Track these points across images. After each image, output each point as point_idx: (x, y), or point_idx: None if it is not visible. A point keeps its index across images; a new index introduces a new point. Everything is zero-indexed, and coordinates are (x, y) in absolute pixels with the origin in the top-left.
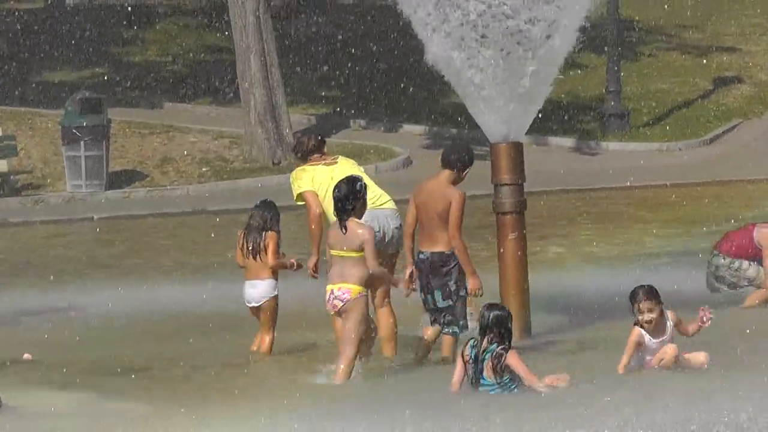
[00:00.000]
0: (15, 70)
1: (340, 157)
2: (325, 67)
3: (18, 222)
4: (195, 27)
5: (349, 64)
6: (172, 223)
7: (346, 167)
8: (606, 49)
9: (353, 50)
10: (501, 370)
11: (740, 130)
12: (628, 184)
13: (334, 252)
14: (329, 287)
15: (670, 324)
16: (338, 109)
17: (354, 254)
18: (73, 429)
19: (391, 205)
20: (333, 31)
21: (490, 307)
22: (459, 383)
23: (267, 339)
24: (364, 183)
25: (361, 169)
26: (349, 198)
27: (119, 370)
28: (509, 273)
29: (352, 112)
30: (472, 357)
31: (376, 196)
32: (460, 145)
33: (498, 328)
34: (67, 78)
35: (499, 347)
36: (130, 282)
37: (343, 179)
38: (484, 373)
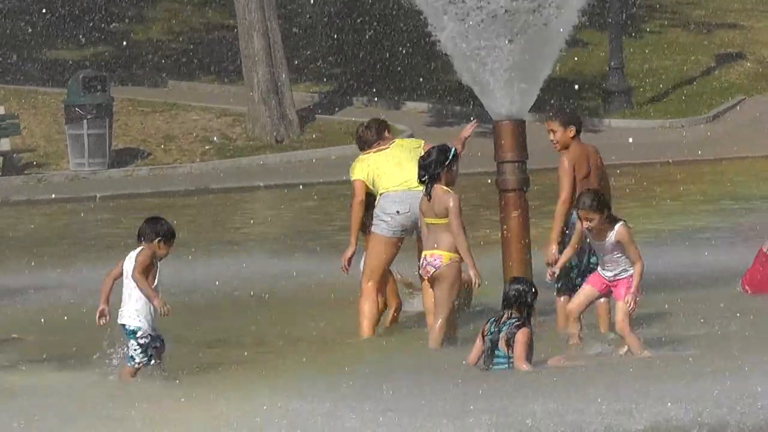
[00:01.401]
0: (18, 48)
1: (396, 140)
2: (328, 45)
3: (21, 200)
4: (198, 4)
5: (352, 42)
6: (175, 202)
7: (396, 150)
8: (609, 26)
9: (356, 28)
10: (513, 344)
11: (743, 107)
12: (633, 161)
13: (427, 220)
14: (424, 253)
15: (612, 234)
16: (341, 86)
17: (443, 221)
18: (63, 408)
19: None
20: (336, 9)
21: (513, 281)
22: (476, 357)
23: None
24: (456, 152)
25: (420, 142)
26: (436, 165)
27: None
28: (513, 251)
29: (355, 89)
30: (491, 330)
31: (412, 178)
32: None
33: (518, 302)
34: (70, 56)
35: (517, 322)
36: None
37: (433, 147)
38: (500, 345)
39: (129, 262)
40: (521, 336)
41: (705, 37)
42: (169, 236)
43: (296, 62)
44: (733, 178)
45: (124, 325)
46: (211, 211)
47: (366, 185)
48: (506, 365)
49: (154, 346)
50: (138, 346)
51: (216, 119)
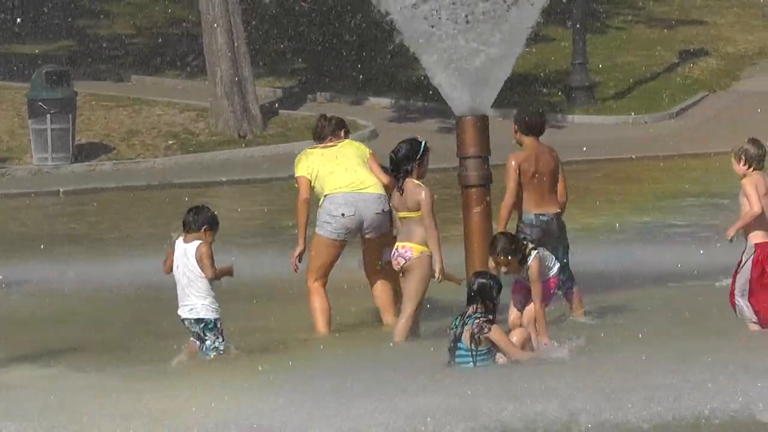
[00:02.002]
0: None
1: (346, 140)
2: (291, 41)
3: None
4: (162, 0)
5: (315, 37)
6: (138, 196)
7: (344, 149)
8: (572, 21)
9: (319, 23)
10: (479, 340)
11: (706, 103)
12: (596, 156)
13: (400, 214)
14: (396, 244)
15: (525, 270)
16: (304, 82)
17: (415, 214)
18: (35, 402)
19: (375, 190)
20: (299, 4)
21: (477, 275)
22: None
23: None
24: (426, 146)
25: (368, 151)
26: (406, 159)
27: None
28: (475, 246)
29: (318, 85)
30: (455, 324)
31: (360, 180)
32: None
33: (482, 297)
34: (33, 51)
35: (483, 318)
36: (95, 255)
37: (404, 141)
38: (463, 337)
39: (185, 257)
40: (496, 334)
41: (668, 33)
42: (214, 224)
43: (259, 58)
44: (695, 174)
45: (201, 319)
46: (174, 205)
47: (309, 182)
48: (469, 359)
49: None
50: (220, 336)
51: (179, 114)
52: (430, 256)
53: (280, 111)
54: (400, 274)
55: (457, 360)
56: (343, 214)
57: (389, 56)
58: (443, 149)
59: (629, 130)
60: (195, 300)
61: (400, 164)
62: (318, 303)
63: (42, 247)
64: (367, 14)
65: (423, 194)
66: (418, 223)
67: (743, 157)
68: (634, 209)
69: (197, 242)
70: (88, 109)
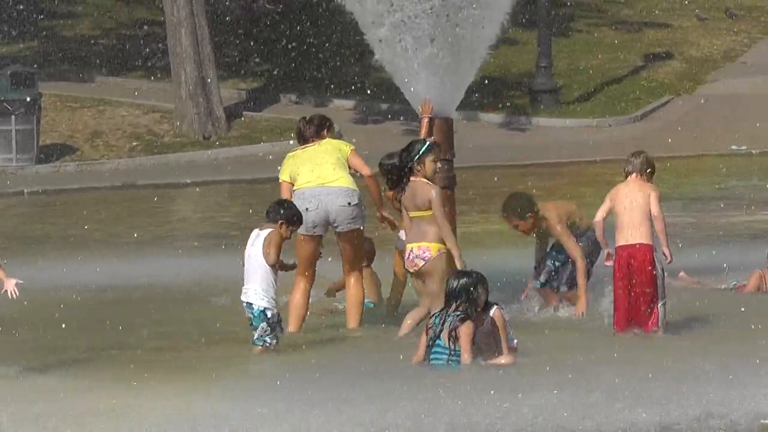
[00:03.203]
0: None
1: (327, 138)
2: (256, 43)
3: None
4: (127, 1)
5: (280, 40)
6: (103, 197)
7: (322, 147)
8: (537, 24)
9: (284, 25)
10: (456, 337)
11: (671, 107)
12: (560, 159)
13: (410, 213)
14: (409, 246)
15: (488, 320)
16: (268, 84)
17: (427, 213)
18: None
19: (340, 183)
20: (264, 6)
21: (458, 274)
22: (419, 358)
23: None
24: (430, 145)
25: (349, 147)
26: (407, 158)
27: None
28: None
29: (282, 87)
30: (435, 323)
31: (325, 174)
32: None
33: (463, 295)
34: None
35: (460, 316)
36: (59, 256)
37: (411, 141)
38: (442, 335)
39: (253, 246)
40: (465, 329)
41: (633, 37)
42: (293, 220)
43: (224, 59)
44: (659, 176)
45: (250, 304)
46: (137, 207)
47: (291, 186)
48: (446, 357)
49: (281, 327)
50: (268, 327)
51: (144, 116)
52: (446, 253)
53: (245, 113)
54: (410, 274)
55: (432, 356)
56: (307, 209)
57: (354, 58)
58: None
59: (593, 134)
60: (251, 285)
61: (402, 164)
62: (294, 300)
63: (4, 247)
64: (332, 16)
65: (433, 192)
66: (430, 222)
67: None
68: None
69: (270, 230)
70: (53, 110)
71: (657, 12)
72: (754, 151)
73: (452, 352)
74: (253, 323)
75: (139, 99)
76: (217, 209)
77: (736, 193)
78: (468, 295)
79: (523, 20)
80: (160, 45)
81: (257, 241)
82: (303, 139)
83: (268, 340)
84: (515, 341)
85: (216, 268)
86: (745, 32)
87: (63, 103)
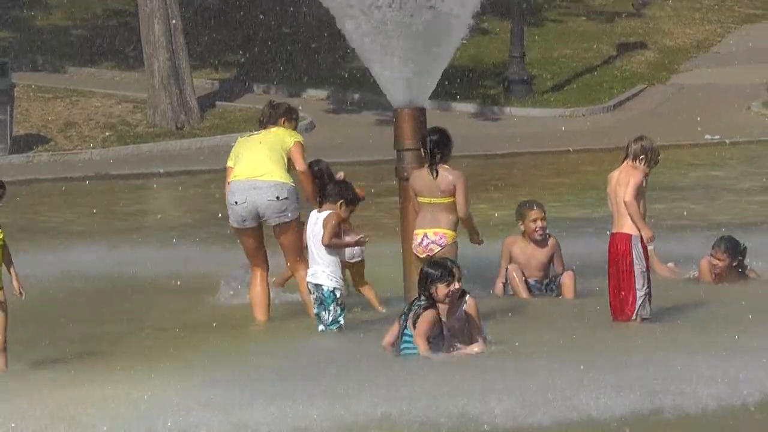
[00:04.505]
0: None
1: (275, 128)
2: (227, 32)
3: None
4: None
5: (253, 30)
6: (76, 188)
7: (264, 137)
8: (510, 14)
9: (257, 15)
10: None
11: (644, 96)
12: (533, 149)
13: (424, 198)
14: (420, 231)
15: (462, 309)
16: (241, 74)
17: (445, 200)
18: None
19: (269, 177)
20: None
21: (428, 263)
22: (392, 339)
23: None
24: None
25: (293, 139)
26: (440, 145)
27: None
28: (411, 237)
29: (256, 76)
30: (404, 311)
31: (255, 167)
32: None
33: (427, 285)
34: None
35: (424, 304)
36: (30, 246)
37: (436, 128)
38: (407, 325)
39: (315, 227)
40: (427, 315)
41: (606, 26)
42: (352, 201)
43: (197, 49)
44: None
45: (319, 285)
46: (110, 197)
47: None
48: (411, 345)
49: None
50: (338, 307)
51: (117, 105)
52: (458, 243)
53: (218, 103)
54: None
55: (402, 346)
56: (236, 202)
57: (327, 48)
58: (380, 142)
59: (566, 123)
60: (318, 267)
61: (434, 149)
62: (254, 291)
63: None
64: (305, 5)
65: (462, 179)
66: (446, 209)
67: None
68: (571, 201)
69: (329, 212)
70: (26, 101)
71: (630, 1)
72: (726, 141)
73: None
74: (324, 304)
75: (112, 89)
76: (191, 199)
77: (710, 183)
78: (431, 284)
79: (497, 10)
80: (132, 35)
81: (318, 222)
82: (260, 123)
83: (341, 321)
84: (485, 331)
85: (190, 258)
86: (719, 22)
87: (36, 94)
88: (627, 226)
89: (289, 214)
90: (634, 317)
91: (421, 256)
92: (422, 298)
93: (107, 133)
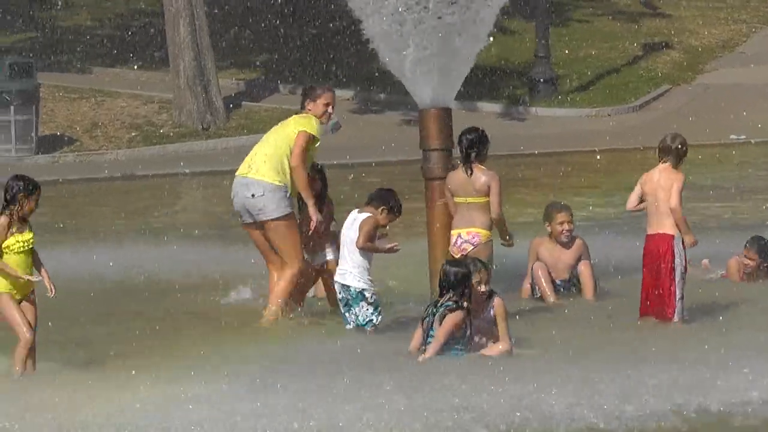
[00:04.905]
0: None
1: (292, 118)
2: (255, 33)
3: None
4: None
5: (279, 30)
6: (101, 188)
7: (281, 128)
8: (535, 14)
9: (282, 14)
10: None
11: (669, 96)
12: (559, 149)
13: (458, 199)
14: (455, 231)
15: (491, 309)
16: (267, 74)
17: (479, 200)
18: None
19: (255, 174)
20: None
21: (451, 263)
22: (417, 344)
23: None
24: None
25: (297, 130)
26: (476, 144)
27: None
28: (437, 238)
29: (281, 76)
30: (428, 313)
31: (248, 164)
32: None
33: (457, 285)
34: None
35: (450, 305)
36: (56, 246)
37: (471, 128)
38: (434, 325)
39: (352, 227)
40: (455, 316)
41: (632, 26)
42: (394, 210)
43: (222, 49)
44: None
45: (347, 286)
46: (136, 197)
47: None
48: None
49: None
50: (369, 306)
51: (142, 106)
52: (492, 242)
53: (243, 103)
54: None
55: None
56: (232, 198)
57: (352, 48)
58: (406, 141)
59: (592, 123)
60: (347, 267)
61: (468, 148)
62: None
63: None
64: (331, 5)
65: (497, 178)
66: (480, 209)
67: (657, 149)
68: (598, 201)
69: (369, 214)
70: (52, 101)
71: (656, 1)
72: (752, 140)
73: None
74: (349, 304)
75: (138, 89)
76: (216, 200)
77: (735, 183)
78: (460, 285)
79: (522, 10)
80: (158, 35)
81: (354, 224)
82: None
83: (374, 320)
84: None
85: (214, 259)
86: (744, 22)
87: (62, 94)
88: (668, 227)
89: (268, 213)
90: (676, 318)
91: (456, 256)
92: (449, 299)
93: (133, 134)
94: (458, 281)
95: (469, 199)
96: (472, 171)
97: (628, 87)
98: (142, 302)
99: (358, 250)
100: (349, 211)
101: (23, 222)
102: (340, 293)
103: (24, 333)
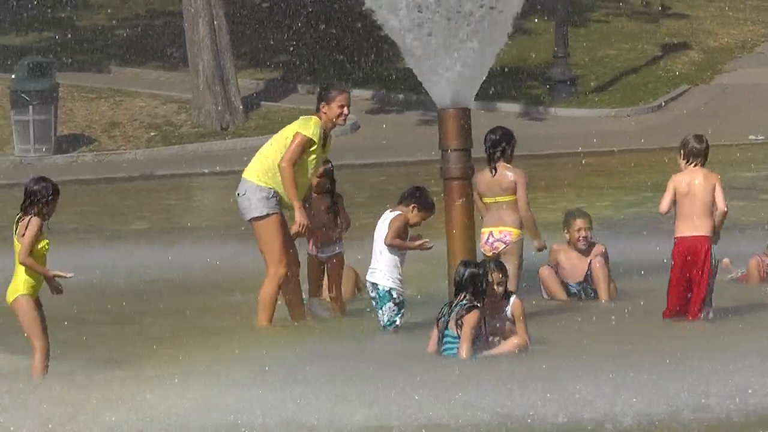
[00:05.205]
0: None
1: (297, 120)
2: (274, 33)
3: None
4: None
5: (297, 29)
6: (120, 188)
7: (284, 129)
8: (554, 14)
9: (301, 14)
10: (461, 326)
11: (688, 96)
12: (578, 150)
13: (487, 199)
14: (486, 230)
15: (509, 308)
16: (286, 74)
17: (507, 198)
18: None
19: (247, 174)
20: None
21: (466, 264)
22: (434, 345)
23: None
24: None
25: (293, 131)
26: (500, 143)
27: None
28: (456, 239)
29: (300, 76)
30: (443, 313)
31: (251, 162)
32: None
33: (472, 285)
34: (15, 42)
35: (468, 304)
36: (74, 246)
37: (498, 127)
38: (449, 326)
39: (383, 225)
40: (470, 318)
41: (651, 27)
42: (425, 207)
43: (241, 49)
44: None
45: (375, 284)
46: (154, 197)
47: None
48: (454, 346)
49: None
50: (395, 307)
51: (161, 106)
52: (522, 239)
53: (262, 103)
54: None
55: (444, 347)
56: None
57: (371, 48)
58: (424, 141)
59: (611, 124)
60: (377, 265)
61: (495, 147)
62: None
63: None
64: (350, 5)
65: (523, 176)
66: (509, 207)
67: (682, 152)
68: (617, 202)
69: (399, 212)
70: (70, 101)
71: (675, 2)
72: None
73: (458, 339)
74: (378, 303)
75: (157, 89)
76: (234, 200)
77: (753, 183)
78: (475, 285)
79: (541, 10)
80: (177, 35)
81: (385, 222)
82: None
83: (398, 321)
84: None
85: (232, 258)
86: (762, 22)
87: (80, 94)
88: (705, 229)
89: (249, 212)
90: (703, 316)
91: (488, 254)
92: (464, 298)
93: (152, 134)
94: (472, 281)
95: (498, 199)
96: (496, 170)
97: (647, 87)
98: (172, 301)
99: (387, 247)
100: (373, 213)
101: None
102: (371, 292)
103: (42, 342)
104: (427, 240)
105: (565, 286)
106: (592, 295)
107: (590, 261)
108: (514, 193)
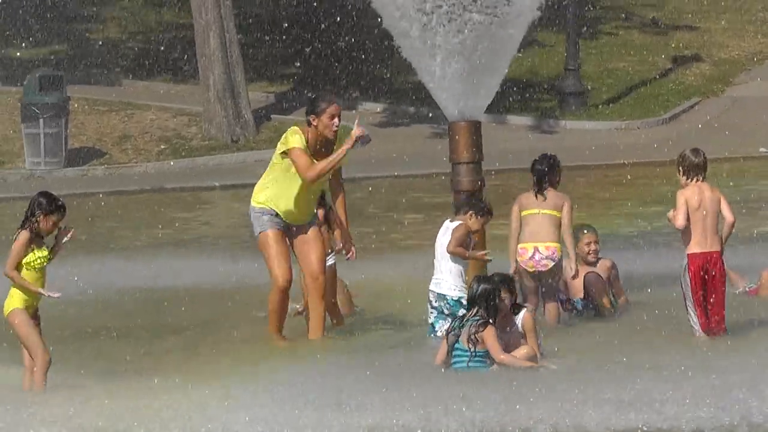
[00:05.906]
0: None
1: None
2: (284, 46)
3: None
4: (154, 4)
5: (308, 42)
6: (131, 201)
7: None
8: (565, 27)
9: (312, 27)
10: (475, 340)
11: (699, 109)
12: (587, 162)
13: (531, 211)
14: (530, 245)
15: (519, 321)
16: (296, 87)
17: (554, 213)
18: None
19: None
20: (292, 9)
21: (480, 280)
22: (442, 357)
23: None
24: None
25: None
26: (549, 172)
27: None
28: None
29: (311, 90)
30: (454, 327)
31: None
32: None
33: (485, 301)
34: (26, 55)
35: (481, 320)
36: (85, 259)
37: (544, 155)
38: (461, 338)
39: (443, 236)
40: (487, 333)
41: (661, 39)
42: (482, 212)
43: (252, 62)
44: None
45: (443, 295)
46: (165, 210)
47: None
48: (466, 360)
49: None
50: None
51: (172, 119)
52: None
53: (273, 116)
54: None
55: (453, 360)
56: None
57: (381, 61)
58: (435, 154)
59: (622, 136)
60: (442, 276)
61: (541, 179)
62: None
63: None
64: (361, 18)
65: (568, 200)
66: (554, 223)
67: (681, 168)
68: (627, 215)
69: (460, 222)
70: (81, 114)
71: (685, 14)
72: None
73: (473, 355)
74: (443, 313)
75: (167, 102)
76: (245, 213)
77: (764, 196)
78: (488, 300)
79: (551, 23)
80: (188, 48)
81: (447, 232)
82: None
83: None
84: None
85: (243, 271)
86: None
87: (91, 107)
88: (718, 244)
89: (253, 230)
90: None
91: (530, 271)
92: (476, 313)
93: (162, 147)
94: (485, 297)
95: (543, 211)
96: (545, 197)
97: (658, 100)
98: (177, 314)
99: (449, 256)
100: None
101: (39, 238)
102: (435, 301)
103: (42, 355)
104: (489, 251)
105: (571, 303)
106: (592, 308)
107: (584, 275)
108: (559, 210)
